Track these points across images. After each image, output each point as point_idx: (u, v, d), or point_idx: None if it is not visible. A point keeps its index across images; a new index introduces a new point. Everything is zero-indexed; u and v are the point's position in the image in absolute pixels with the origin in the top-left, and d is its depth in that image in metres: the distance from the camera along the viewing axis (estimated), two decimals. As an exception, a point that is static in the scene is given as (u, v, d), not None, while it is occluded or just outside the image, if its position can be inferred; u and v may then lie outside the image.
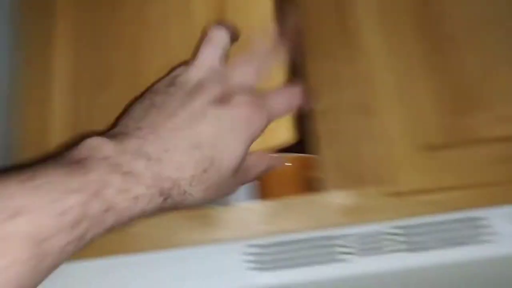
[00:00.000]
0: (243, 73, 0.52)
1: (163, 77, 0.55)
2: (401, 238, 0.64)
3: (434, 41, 0.72)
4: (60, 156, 0.42)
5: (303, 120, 0.64)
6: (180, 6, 0.70)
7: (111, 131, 0.47)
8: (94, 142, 0.43)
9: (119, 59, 0.72)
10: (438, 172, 0.66)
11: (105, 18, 0.75)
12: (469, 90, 0.70)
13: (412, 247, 0.63)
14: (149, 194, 0.43)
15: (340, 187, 0.66)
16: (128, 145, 0.43)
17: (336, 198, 0.66)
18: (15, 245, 0.34)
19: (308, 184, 0.68)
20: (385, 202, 0.66)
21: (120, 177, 0.41)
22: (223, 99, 0.48)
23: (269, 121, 0.51)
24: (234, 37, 0.53)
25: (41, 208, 0.35)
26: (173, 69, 0.56)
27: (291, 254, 0.63)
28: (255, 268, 0.63)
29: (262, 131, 0.50)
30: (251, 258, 0.63)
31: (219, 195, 0.51)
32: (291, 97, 0.53)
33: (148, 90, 0.53)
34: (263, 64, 0.53)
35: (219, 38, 0.52)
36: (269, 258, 0.63)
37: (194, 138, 0.46)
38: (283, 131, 0.56)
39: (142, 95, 0.53)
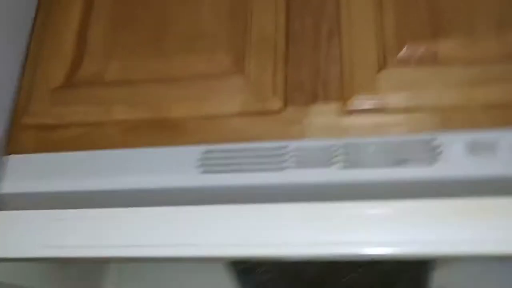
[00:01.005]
0: None
1: None
2: (343, 156, 0.64)
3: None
4: None
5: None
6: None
7: None
8: None
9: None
10: (392, 93, 0.65)
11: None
12: (438, 11, 0.67)
13: (349, 165, 0.63)
14: None
15: (300, 104, 0.69)
16: None
17: (293, 114, 0.68)
18: None
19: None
20: (339, 120, 0.67)
21: None
22: None
23: None
24: None
25: None
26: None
27: (238, 160, 0.67)
28: (205, 171, 0.67)
29: None
30: (202, 162, 0.68)
31: None
32: None
33: None
34: None
35: None
36: (219, 163, 0.68)
37: None
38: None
39: None
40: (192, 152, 0.69)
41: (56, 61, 0.78)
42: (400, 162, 0.62)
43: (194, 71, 0.73)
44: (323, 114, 0.67)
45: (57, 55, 0.78)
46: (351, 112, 0.66)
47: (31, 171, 0.72)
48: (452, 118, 0.63)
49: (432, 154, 0.62)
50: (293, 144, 0.66)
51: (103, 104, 0.73)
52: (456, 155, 0.61)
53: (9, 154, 0.74)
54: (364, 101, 0.66)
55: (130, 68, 0.75)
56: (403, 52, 0.67)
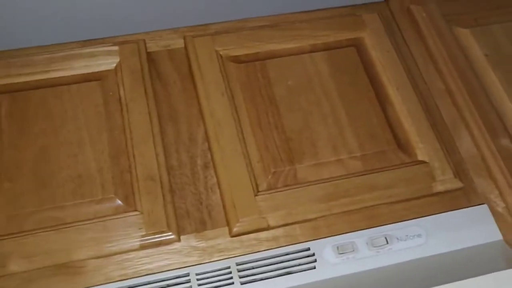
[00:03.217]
0: None
1: None
2: (237, 273, 0.75)
3: (262, 104, 0.87)
4: None
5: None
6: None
7: None
8: None
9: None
10: (269, 213, 0.78)
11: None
12: (289, 143, 0.84)
13: (246, 280, 0.74)
14: None
15: (191, 232, 0.78)
16: None
17: (188, 242, 0.77)
18: None
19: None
20: (228, 242, 0.78)
21: None
22: None
23: None
24: None
25: None
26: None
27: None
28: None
29: None
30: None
31: None
32: None
33: None
34: None
35: None
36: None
37: None
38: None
39: None
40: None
41: None
42: (286, 271, 0.75)
43: (86, 213, 0.78)
44: (214, 239, 0.78)
45: None
46: (238, 234, 0.77)
47: None
48: (319, 228, 0.78)
49: (309, 260, 0.76)
50: (193, 271, 0.75)
51: (-4, 259, 0.74)
52: (328, 258, 0.76)
53: None
54: (247, 223, 0.78)
55: (19, 219, 0.77)
56: (270, 178, 0.82)
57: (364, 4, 1.01)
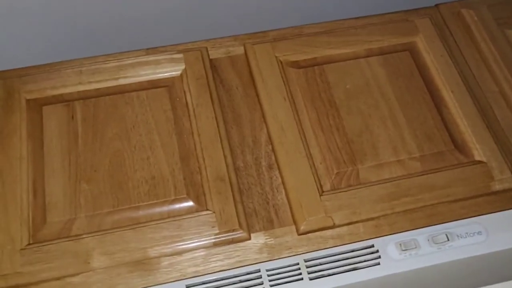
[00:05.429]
0: None
1: None
2: (306, 269, 0.79)
3: (322, 107, 0.91)
4: None
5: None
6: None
7: None
8: None
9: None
10: (334, 212, 0.82)
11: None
12: (350, 144, 0.88)
13: (315, 276, 0.78)
14: None
15: (260, 230, 0.82)
16: None
17: (257, 240, 0.81)
18: None
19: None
20: (296, 239, 0.81)
21: None
22: None
23: None
24: None
25: None
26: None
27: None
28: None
29: None
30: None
31: None
32: None
33: None
34: None
35: None
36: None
37: None
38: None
39: None
40: (176, 288, 0.78)
41: (19, 220, 0.81)
42: (352, 267, 0.79)
43: (161, 213, 0.82)
44: (282, 236, 0.81)
45: (18, 214, 0.82)
46: (305, 232, 0.81)
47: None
48: (382, 226, 0.82)
49: (373, 256, 0.80)
50: (264, 267, 0.79)
51: (79, 256, 0.79)
52: (391, 255, 0.80)
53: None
54: (314, 222, 0.82)
55: (98, 219, 0.82)
56: (333, 178, 0.85)
57: (415, 9, 1.04)
